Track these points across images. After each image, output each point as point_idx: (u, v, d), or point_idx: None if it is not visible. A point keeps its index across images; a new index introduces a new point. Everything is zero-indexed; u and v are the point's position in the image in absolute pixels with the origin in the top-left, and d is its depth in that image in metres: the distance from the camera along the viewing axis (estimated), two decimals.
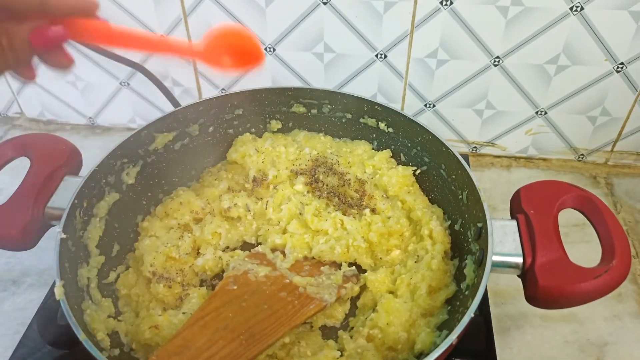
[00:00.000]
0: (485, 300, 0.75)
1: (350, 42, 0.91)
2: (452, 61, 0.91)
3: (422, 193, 0.79)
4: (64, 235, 0.63)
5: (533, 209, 0.65)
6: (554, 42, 0.86)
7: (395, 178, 0.77)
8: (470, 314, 0.54)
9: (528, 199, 0.66)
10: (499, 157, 1.04)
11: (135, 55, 0.98)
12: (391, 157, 0.82)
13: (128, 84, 1.04)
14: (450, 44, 0.88)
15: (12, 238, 0.66)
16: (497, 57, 0.89)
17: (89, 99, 1.08)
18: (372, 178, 0.80)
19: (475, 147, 1.03)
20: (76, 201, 0.67)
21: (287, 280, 0.67)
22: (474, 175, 0.68)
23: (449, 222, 0.73)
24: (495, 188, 0.98)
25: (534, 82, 0.91)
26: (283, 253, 0.73)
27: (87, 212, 0.69)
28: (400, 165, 0.80)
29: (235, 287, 0.64)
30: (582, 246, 0.85)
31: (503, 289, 0.81)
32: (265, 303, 0.62)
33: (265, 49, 0.94)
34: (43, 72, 1.02)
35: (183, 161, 0.83)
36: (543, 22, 0.84)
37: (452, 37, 0.87)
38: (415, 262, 0.70)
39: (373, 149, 0.84)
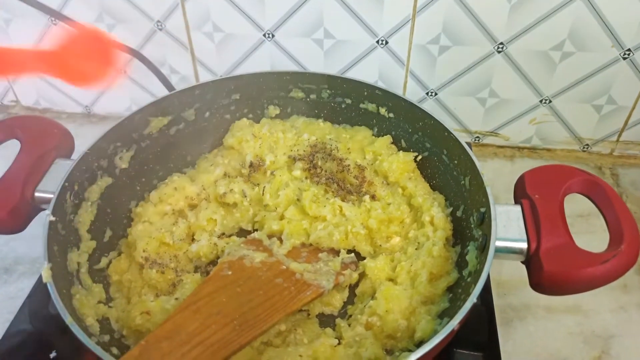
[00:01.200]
0: (488, 290, 0.73)
1: (350, 27, 0.89)
2: (454, 47, 0.89)
3: (423, 179, 0.77)
4: (52, 218, 0.61)
5: (538, 193, 0.62)
6: (559, 27, 0.84)
7: (395, 164, 0.75)
8: (472, 299, 0.51)
9: (533, 184, 0.64)
10: (502, 147, 1.02)
11: (132, 42, 0.96)
12: (392, 143, 0.80)
13: (124, 71, 1.02)
14: (453, 30, 0.86)
15: (1, 220, 0.64)
16: (501, 43, 0.87)
17: None
18: (372, 164, 0.78)
19: (478, 136, 1.01)
20: (66, 184, 0.65)
21: (284, 267, 0.64)
22: (477, 159, 0.66)
23: (451, 209, 0.71)
24: (498, 178, 0.95)
25: (538, 70, 0.89)
26: (280, 240, 0.71)
27: (78, 195, 0.67)
28: (401, 151, 0.78)
29: (230, 273, 0.62)
30: (587, 237, 0.82)
31: (506, 280, 0.79)
32: (261, 289, 0.60)
33: (264, 35, 0.93)
34: None
35: (178, 146, 0.81)
36: (548, 6, 0.82)
37: (455, 22, 0.85)
38: (416, 249, 0.68)
39: (373, 135, 0.82)
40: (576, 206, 0.87)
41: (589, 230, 0.86)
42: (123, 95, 1.05)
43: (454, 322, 0.49)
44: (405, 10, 0.86)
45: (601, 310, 0.76)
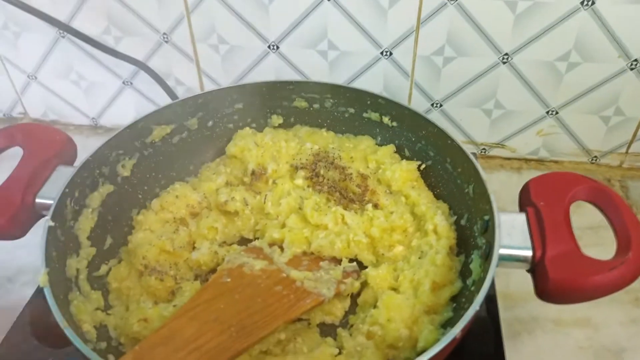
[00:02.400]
0: (493, 302, 0.72)
1: (354, 39, 0.89)
2: (459, 58, 0.88)
3: (426, 188, 0.76)
4: (52, 223, 0.61)
5: (543, 201, 0.61)
6: (564, 38, 0.83)
7: (398, 173, 0.75)
8: (475, 307, 0.50)
9: (538, 192, 0.63)
10: (508, 159, 1.01)
11: (138, 53, 0.97)
12: (395, 152, 0.80)
13: (131, 83, 1.03)
14: (457, 41, 0.86)
15: (1, 226, 0.64)
16: (506, 54, 0.86)
17: (92, 99, 1.07)
18: (375, 173, 0.77)
19: (484, 148, 1.00)
20: (67, 190, 0.65)
21: (284, 274, 0.64)
22: (480, 167, 0.65)
23: (455, 217, 0.70)
24: (504, 190, 0.94)
25: (544, 80, 0.88)
26: (281, 248, 0.70)
27: (78, 202, 0.67)
28: (404, 160, 0.77)
29: (228, 280, 0.61)
30: (596, 249, 0.80)
31: (513, 292, 0.78)
32: (259, 296, 0.59)
33: (269, 47, 0.93)
34: (47, 71, 1.04)
35: (181, 155, 0.81)
36: (553, 17, 0.81)
37: (459, 33, 0.85)
38: (419, 258, 0.67)
39: (377, 144, 0.82)
40: (585, 218, 0.86)
41: (597, 243, 0.84)
42: (129, 107, 1.06)
43: (456, 330, 0.48)
44: (409, 21, 0.86)
45: (611, 323, 0.74)
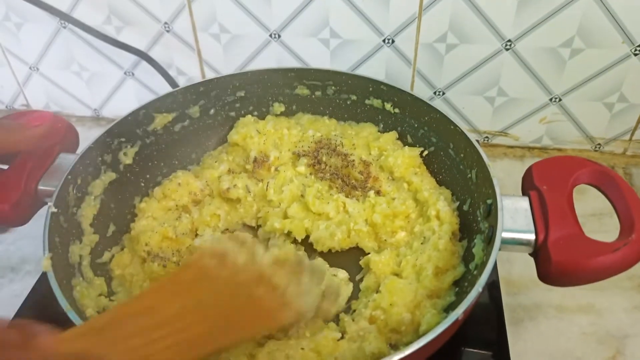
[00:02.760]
0: (496, 287, 0.71)
1: (356, 27, 0.89)
2: (461, 45, 0.88)
3: (429, 174, 0.76)
4: (54, 209, 0.61)
5: (546, 185, 0.61)
6: (567, 23, 0.82)
7: (401, 159, 0.74)
8: (477, 289, 0.50)
9: (541, 175, 0.62)
10: (512, 147, 1.00)
11: (140, 44, 0.97)
12: (397, 139, 0.79)
13: (133, 74, 1.03)
14: (460, 27, 0.86)
15: (4, 213, 0.64)
16: (509, 40, 0.86)
17: (94, 90, 1.07)
18: (378, 160, 0.77)
19: (487, 136, 1.00)
20: (69, 177, 0.65)
21: (266, 275, 0.55)
22: (483, 151, 0.65)
23: (457, 203, 0.70)
24: (508, 178, 0.94)
25: (547, 67, 0.88)
26: (287, 234, 0.70)
27: (81, 189, 0.67)
28: (406, 147, 0.77)
29: (212, 263, 0.54)
30: (600, 235, 0.79)
31: (516, 279, 0.77)
32: (242, 293, 0.53)
33: (270, 36, 0.93)
34: (49, 62, 1.04)
35: (183, 144, 0.81)
36: (556, 2, 0.80)
37: (462, 19, 0.85)
38: (422, 243, 0.66)
39: (379, 131, 0.81)
40: (588, 205, 0.86)
41: (601, 230, 0.84)
42: (131, 98, 1.06)
43: (459, 311, 0.47)
44: (411, 8, 0.85)
45: (615, 309, 0.73)
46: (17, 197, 0.64)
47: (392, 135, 0.79)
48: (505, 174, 0.95)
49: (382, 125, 0.81)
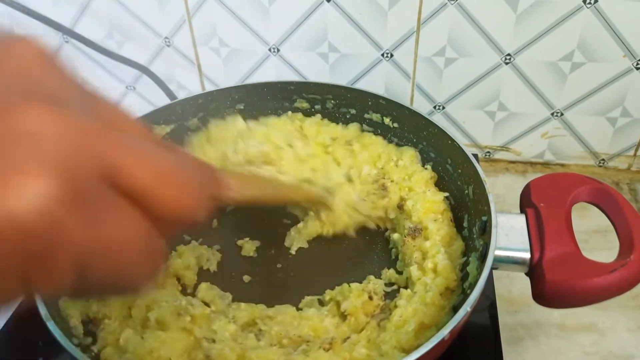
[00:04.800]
0: (493, 306, 0.70)
1: (355, 41, 0.89)
2: (461, 59, 0.87)
3: (450, 221, 0.69)
4: None
5: (543, 202, 0.60)
6: (567, 37, 0.82)
7: (421, 204, 0.70)
8: (466, 308, 0.48)
9: (538, 192, 0.61)
10: (513, 162, 0.99)
11: (141, 58, 0.98)
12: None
13: (134, 88, 1.04)
14: (459, 41, 0.85)
15: None
16: (508, 54, 0.85)
17: None
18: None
19: (488, 151, 0.99)
20: None
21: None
22: (480, 167, 0.64)
23: (465, 258, 0.64)
24: (509, 194, 0.93)
25: (548, 81, 0.87)
26: None
27: None
28: (429, 191, 0.72)
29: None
30: (604, 253, 0.78)
31: (516, 297, 0.76)
32: None
33: (269, 50, 0.93)
34: None
35: None
36: (555, 16, 0.80)
37: (461, 33, 0.84)
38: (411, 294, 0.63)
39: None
40: (593, 221, 0.84)
41: (606, 247, 0.82)
42: (132, 112, 1.06)
43: (444, 332, 0.46)
44: (409, 22, 0.85)
45: (618, 329, 0.71)
46: None
47: (411, 151, 0.76)
48: (507, 190, 0.94)
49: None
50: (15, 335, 0.68)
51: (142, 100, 1.05)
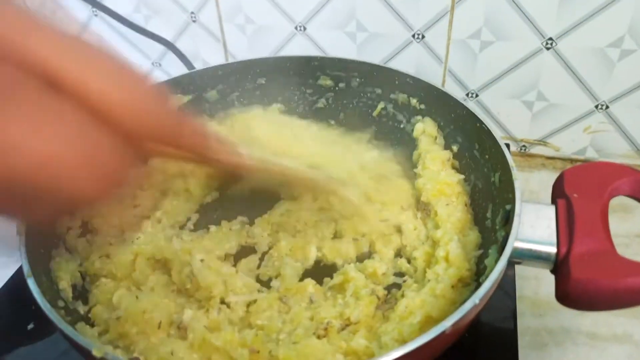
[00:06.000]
0: (512, 305, 0.64)
1: (384, 20, 0.84)
2: (497, 43, 0.81)
3: (466, 208, 0.65)
4: None
5: (577, 192, 0.53)
6: (617, 21, 0.74)
7: (431, 184, 0.67)
8: (474, 300, 0.43)
9: (573, 182, 0.55)
10: (551, 158, 0.92)
11: (167, 34, 0.96)
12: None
13: (160, 64, 1.02)
14: (496, 23, 0.79)
15: None
16: (550, 38, 0.78)
17: None
18: None
19: (524, 145, 0.92)
20: None
21: None
22: (508, 152, 0.58)
23: (481, 251, 0.59)
24: (544, 192, 0.86)
25: (593, 70, 0.80)
26: None
27: None
28: (443, 172, 0.68)
29: None
30: None
31: (543, 299, 0.70)
32: None
33: (296, 28, 0.89)
34: None
35: None
36: None
37: (498, 14, 0.78)
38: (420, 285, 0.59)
39: None
40: (635, 225, 0.77)
41: None
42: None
43: (447, 324, 0.41)
44: (442, 1, 0.80)
45: None
46: None
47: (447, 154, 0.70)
48: (542, 187, 0.87)
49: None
50: (8, 299, 0.67)
51: (167, 77, 1.03)
